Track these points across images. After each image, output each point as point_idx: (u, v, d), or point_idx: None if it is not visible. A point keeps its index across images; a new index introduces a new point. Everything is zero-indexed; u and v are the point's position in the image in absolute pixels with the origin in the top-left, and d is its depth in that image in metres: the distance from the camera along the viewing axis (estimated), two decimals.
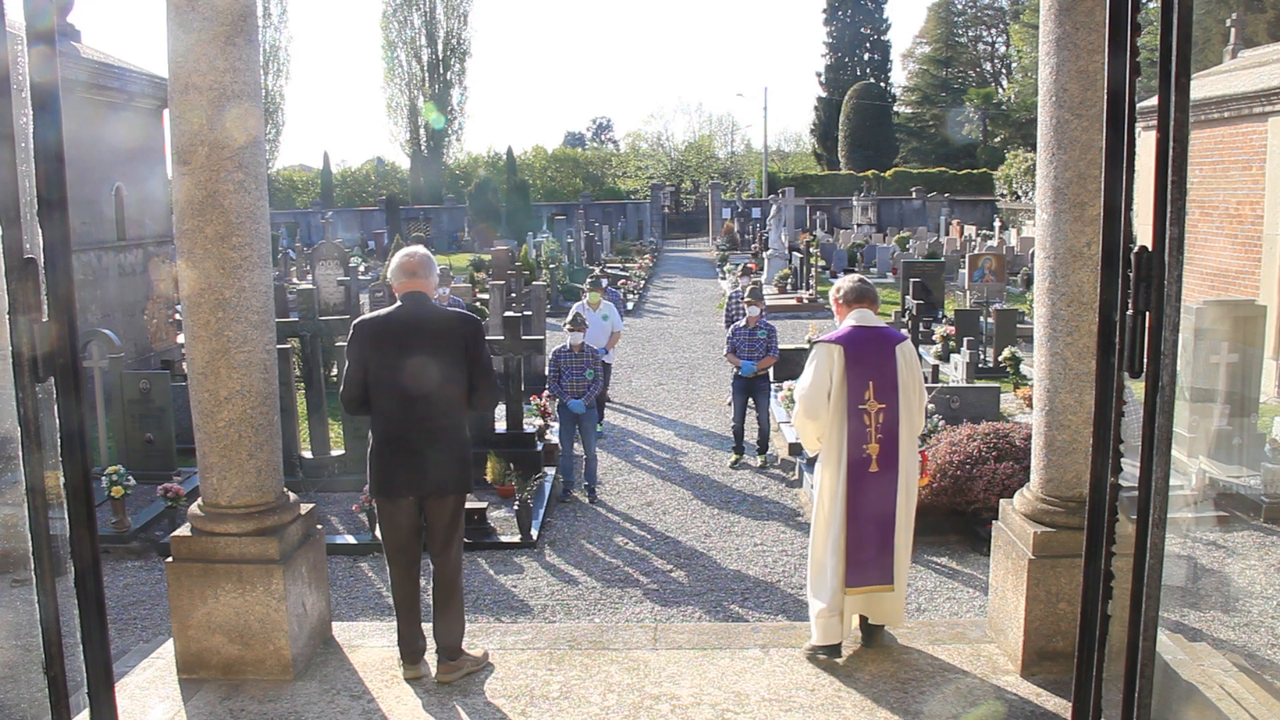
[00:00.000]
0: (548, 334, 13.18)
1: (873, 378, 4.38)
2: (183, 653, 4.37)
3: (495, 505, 7.88)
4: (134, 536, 7.29)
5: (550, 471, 8.78)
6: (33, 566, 2.04)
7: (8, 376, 2.04)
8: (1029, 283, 19.61)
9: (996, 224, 31.80)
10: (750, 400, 9.26)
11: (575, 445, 8.71)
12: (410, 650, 4.42)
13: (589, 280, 11.99)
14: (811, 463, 7.30)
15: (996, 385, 10.16)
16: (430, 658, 4.48)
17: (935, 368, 12.23)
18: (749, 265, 24.23)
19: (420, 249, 4.47)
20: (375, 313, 4.41)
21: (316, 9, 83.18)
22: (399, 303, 4.32)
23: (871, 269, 26.07)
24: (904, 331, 4.57)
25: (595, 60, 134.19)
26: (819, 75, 55.06)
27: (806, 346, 10.88)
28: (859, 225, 35.79)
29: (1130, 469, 2.33)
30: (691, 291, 24.38)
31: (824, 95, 53.90)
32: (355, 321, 4.43)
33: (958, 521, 7.24)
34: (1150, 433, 2.23)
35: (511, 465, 8.19)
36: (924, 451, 7.04)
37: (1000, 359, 12.93)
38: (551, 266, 22.56)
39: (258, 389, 4.30)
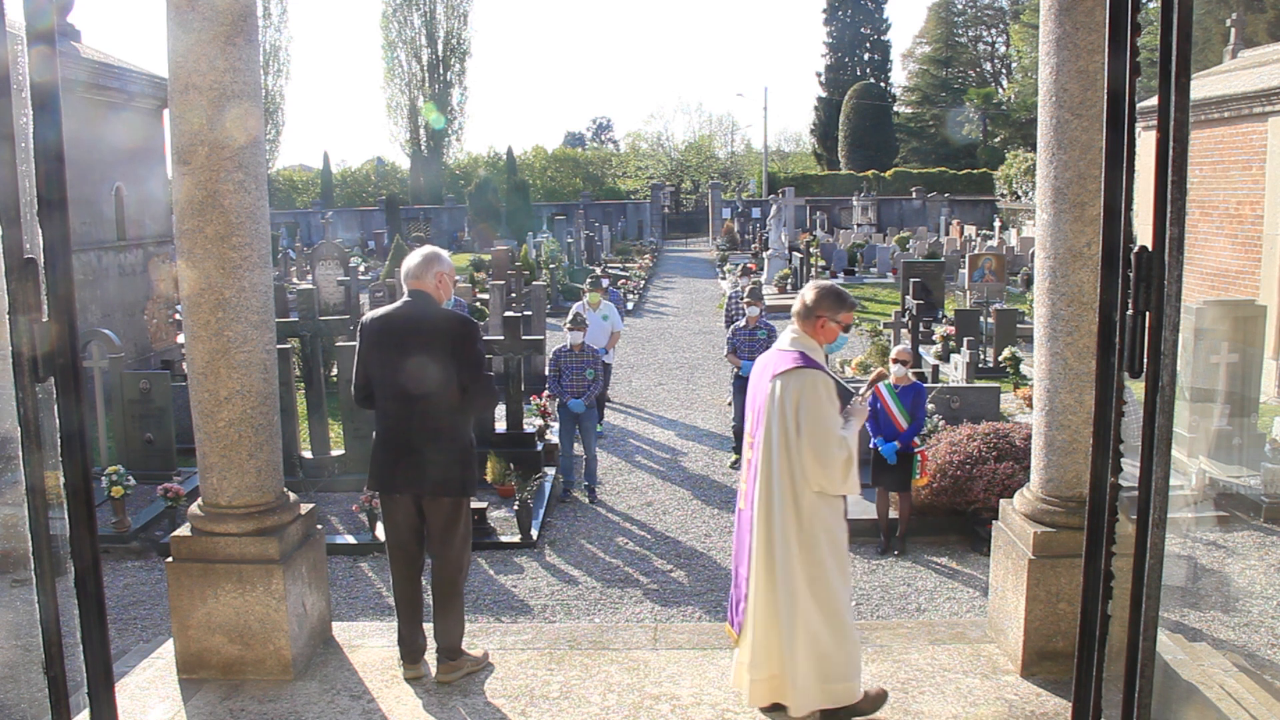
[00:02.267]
0: (548, 334, 13.18)
1: (754, 409, 3.95)
2: (183, 653, 4.37)
3: (495, 505, 7.88)
4: (134, 536, 7.29)
5: (550, 471, 8.78)
6: (33, 566, 2.04)
7: (8, 376, 2.04)
8: (1029, 283, 19.62)
9: (996, 224, 31.81)
10: None
11: (575, 445, 8.71)
12: (410, 650, 4.42)
13: (589, 280, 12.00)
14: None
15: (996, 385, 10.16)
16: (431, 658, 4.48)
17: (935, 368, 12.23)
18: (749, 265, 24.27)
19: (428, 248, 4.47)
20: (377, 311, 4.44)
21: (316, 9, 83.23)
22: (405, 299, 4.34)
23: (871, 269, 26.08)
24: (822, 360, 3.76)
25: (595, 60, 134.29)
26: (819, 75, 55.11)
27: None
28: (859, 225, 35.79)
29: (1130, 469, 2.32)
30: (691, 291, 24.38)
31: (824, 95, 53.91)
32: (361, 318, 4.49)
33: (958, 521, 7.24)
34: (1150, 433, 2.22)
35: (511, 465, 8.19)
36: (924, 451, 7.05)
37: (1000, 359, 12.94)
38: (551, 266, 22.56)
39: (258, 389, 4.31)
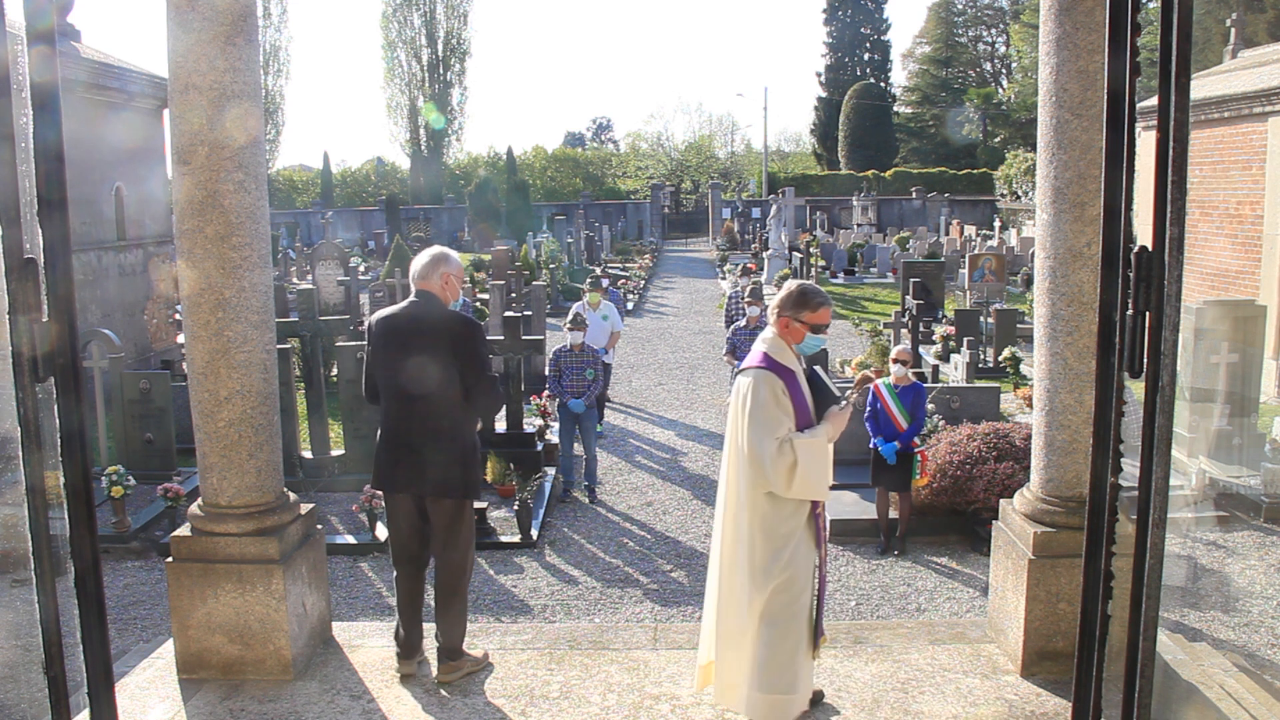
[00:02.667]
0: (548, 334, 13.19)
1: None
2: (183, 653, 4.37)
3: (495, 505, 7.88)
4: (134, 536, 7.29)
5: (550, 471, 8.78)
6: (33, 566, 2.04)
7: (8, 376, 2.04)
8: (1029, 283, 19.61)
9: (996, 224, 31.81)
10: None
11: (575, 445, 8.71)
12: (405, 647, 4.44)
13: (589, 280, 12.00)
14: None
15: (996, 385, 10.16)
16: (431, 656, 4.48)
17: (935, 368, 12.23)
18: (749, 265, 24.28)
19: (437, 248, 4.46)
20: (383, 310, 4.46)
21: (316, 9, 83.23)
22: (410, 299, 4.35)
23: (871, 269, 26.08)
24: (789, 360, 3.77)
25: (595, 60, 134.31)
26: (819, 75, 55.10)
27: None
28: (859, 225, 35.79)
29: (1130, 469, 2.32)
30: (691, 291, 24.38)
31: (824, 95, 53.90)
32: (369, 318, 4.55)
33: (958, 521, 7.24)
34: (1150, 433, 2.22)
35: (511, 465, 8.19)
36: (924, 451, 7.05)
37: (1000, 359, 12.93)
38: (551, 266, 22.56)
39: (258, 389, 4.31)
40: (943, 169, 45.51)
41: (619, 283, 21.71)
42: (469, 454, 4.32)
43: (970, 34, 60.43)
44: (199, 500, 4.46)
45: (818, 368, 3.97)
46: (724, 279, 24.87)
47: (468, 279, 21.24)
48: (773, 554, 3.69)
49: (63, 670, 2.12)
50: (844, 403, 3.89)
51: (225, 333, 4.21)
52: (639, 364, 14.76)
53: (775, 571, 3.69)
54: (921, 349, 13.41)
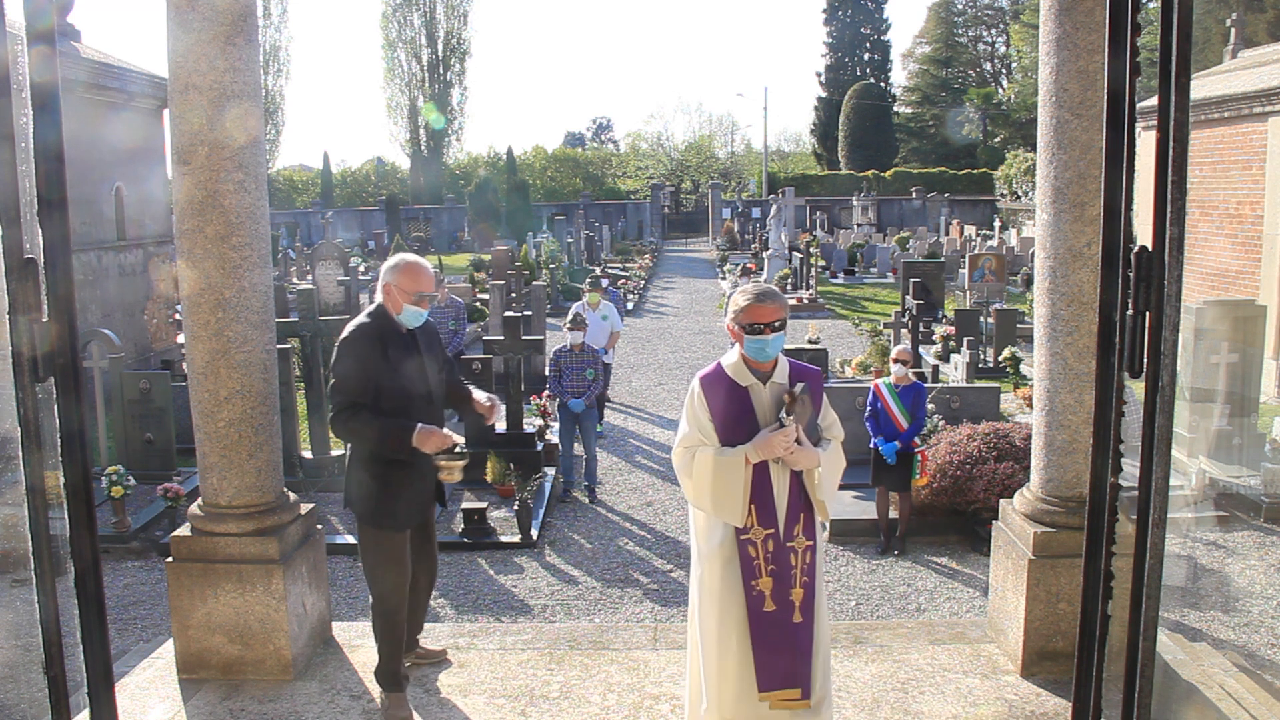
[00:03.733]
0: (548, 334, 13.18)
1: None
2: (183, 653, 4.37)
3: (495, 505, 7.88)
4: (134, 536, 7.29)
5: (550, 471, 8.78)
6: (33, 566, 2.04)
7: (8, 376, 2.04)
8: (1029, 283, 19.61)
9: (996, 224, 31.81)
10: None
11: (575, 445, 8.71)
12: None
13: (589, 280, 11.99)
14: None
15: (996, 385, 10.15)
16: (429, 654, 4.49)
17: (935, 368, 12.23)
18: (749, 265, 24.29)
19: (395, 256, 4.24)
20: None
21: (316, 9, 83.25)
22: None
23: (871, 269, 26.08)
24: (737, 368, 3.53)
25: (595, 60, 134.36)
26: (819, 75, 55.08)
27: (807, 347, 10.89)
28: (859, 225, 35.80)
29: (1130, 469, 2.32)
30: (691, 291, 24.37)
31: (824, 95, 53.89)
32: None
33: (958, 521, 7.24)
34: (1150, 433, 2.22)
35: (511, 465, 8.19)
36: (924, 451, 7.05)
37: (1000, 359, 12.93)
38: (551, 266, 22.55)
39: (258, 389, 4.31)
40: (943, 169, 45.50)
41: (619, 283, 21.72)
42: (353, 468, 4.10)
43: (970, 34, 60.41)
44: (199, 500, 4.46)
45: (800, 385, 3.46)
46: (724, 279, 24.87)
47: (468, 279, 21.24)
48: (701, 572, 3.55)
49: (63, 670, 2.12)
50: (784, 423, 3.38)
51: (225, 333, 4.21)
52: (639, 364, 14.75)
53: (699, 589, 3.55)
54: (921, 349, 13.41)
